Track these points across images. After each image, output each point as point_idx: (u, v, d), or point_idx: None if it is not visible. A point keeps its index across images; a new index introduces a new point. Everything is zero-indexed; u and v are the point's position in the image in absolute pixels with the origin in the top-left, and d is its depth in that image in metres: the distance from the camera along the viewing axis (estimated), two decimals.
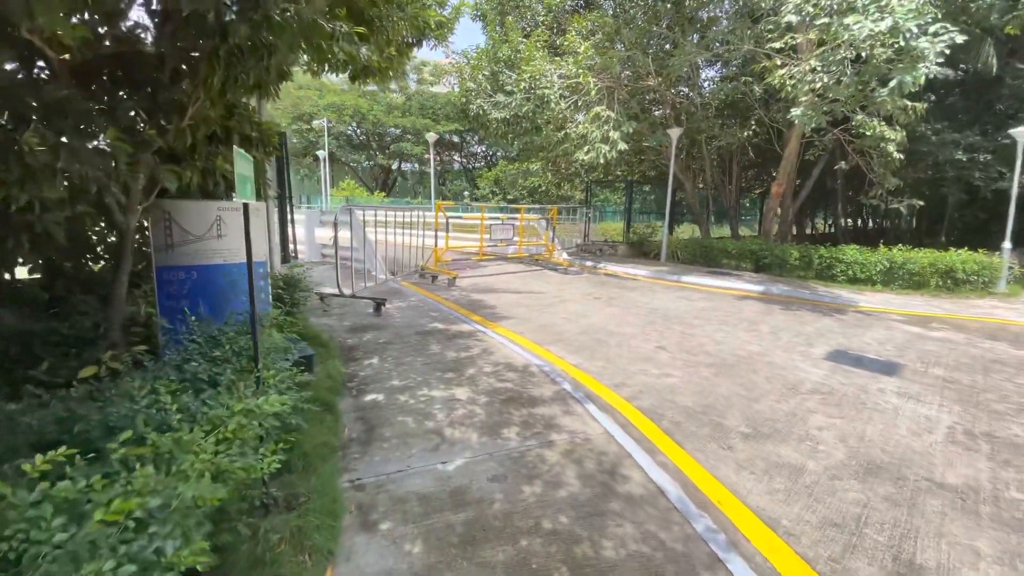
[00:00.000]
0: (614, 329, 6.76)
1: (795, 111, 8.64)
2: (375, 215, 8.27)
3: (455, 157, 49.68)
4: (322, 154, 35.68)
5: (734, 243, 13.06)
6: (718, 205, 17.74)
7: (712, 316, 7.75)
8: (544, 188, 28.30)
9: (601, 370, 5.16)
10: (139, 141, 2.73)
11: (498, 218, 11.51)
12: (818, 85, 8.24)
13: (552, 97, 11.25)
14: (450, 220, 10.23)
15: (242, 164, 2.60)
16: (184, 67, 2.89)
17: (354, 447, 3.50)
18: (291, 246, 7.93)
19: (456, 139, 46.24)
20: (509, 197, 35.59)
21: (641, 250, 14.54)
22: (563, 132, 11.98)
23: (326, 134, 37.15)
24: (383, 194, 42.22)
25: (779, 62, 9.18)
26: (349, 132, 42.13)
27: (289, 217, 7.61)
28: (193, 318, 3.55)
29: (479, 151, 49.35)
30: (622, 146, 10.93)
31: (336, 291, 6.65)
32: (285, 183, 7.28)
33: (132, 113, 2.77)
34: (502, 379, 4.77)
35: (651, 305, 8.43)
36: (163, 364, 2.78)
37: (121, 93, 2.96)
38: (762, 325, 7.33)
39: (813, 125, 8.72)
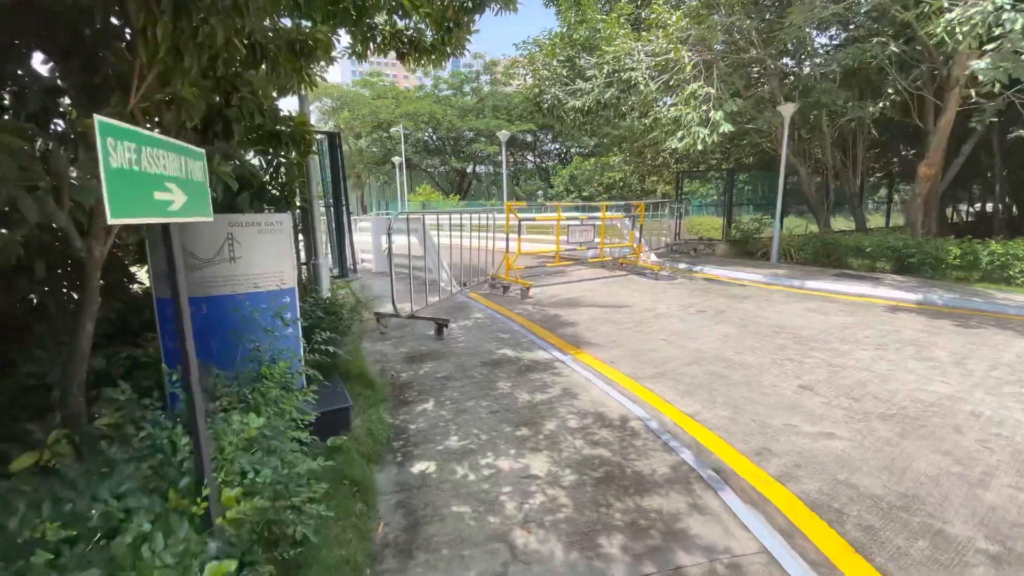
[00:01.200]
0: (733, 357, 5.24)
1: (978, 63, 6.50)
2: (437, 220, 7.32)
3: (528, 156, 48.85)
4: (398, 160, 36.32)
5: (868, 238, 10.71)
6: (836, 194, 15.08)
7: (861, 337, 5.93)
8: (623, 183, 26.44)
9: (729, 425, 3.75)
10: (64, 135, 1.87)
11: (576, 218, 10.21)
12: (1013, 28, 6.08)
13: (639, 79, 9.74)
14: (523, 222, 9.10)
15: (187, 162, 1.61)
16: (116, 20, 1.99)
17: (388, 558, 2.44)
18: (350, 258, 7.21)
19: (529, 138, 45.39)
20: (585, 194, 33.99)
21: (745, 249, 12.51)
22: (651, 118, 10.41)
23: (402, 141, 37.80)
24: (458, 197, 42.34)
25: (946, 3, 7.02)
26: (425, 138, 42.76)
27: (347, 226, 6.87)
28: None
29: (553, 149, 48.13)
30: (726, 127, 9.18)
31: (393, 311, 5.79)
32: (340, 189, 6.54)
33: (57, 92, 1.90)
34: (593, 440, 3.53)
35: (774, 321, 6.72)
36: (98, 464, 1.87)
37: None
38: (936, 350, 5.43)
39: (1004, 81, 6.52)
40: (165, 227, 1.37)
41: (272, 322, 3.38)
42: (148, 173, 1.26)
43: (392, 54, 4.73)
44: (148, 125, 2.16)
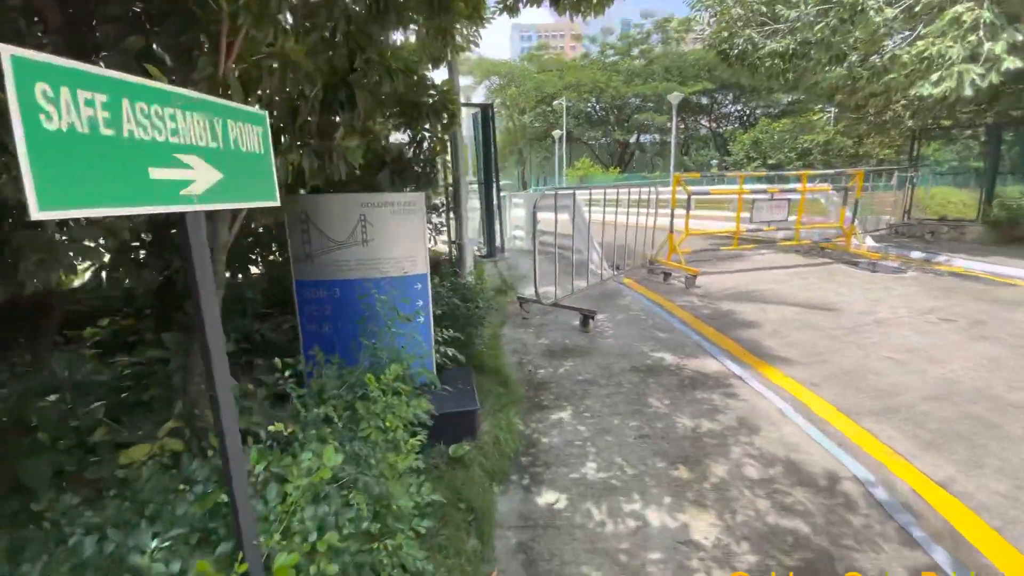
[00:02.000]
0: (1006, 395, 3.58)
1: None
2: (590, 195, 6.53)
3: (702, 122, 44.16)
4: (558, 133, 35.89)
5: None
6: None
7: None
8: (828, 147, 21.89)
9: (1008, 507, 2.43)
10: None
11: (764, 190, 8.42)
12: None
13: (868, 3, 7.42)
14: (693, 196, 7.78)
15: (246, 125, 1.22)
16: None
17: None
18: (499, 237, 6.93)
19: (704, 100, 40.85)
20: (771, 162, 29.34)
21: (1012, 234, 9.11)
22: (885, 57, 7.93)
23: (564, 114, 37.18)
24: (618, 170, 40.47)
25: None
26: (587, 109, 41.51)
27: (497, 204, 6.57)
28: (323, 356, 2.52)
29: (733, 111, 42.65)
30: (1010, 63, 6.50)
31: (536, 296, 5.28)
32: (491, 165, 6.21)
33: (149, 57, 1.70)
34: (784, 503, 2.56)
35: None
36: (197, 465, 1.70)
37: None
38: None
39: None
40: (183, 216, 0.99)
41: (403, 309, 3.11)
42: (136, 141, 0.86)
43: (546, 3, 4.08)
44: (251, 99, 1.89)
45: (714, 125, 43.92)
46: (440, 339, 3.48)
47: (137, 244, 2.94)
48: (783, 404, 3.60)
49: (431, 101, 3.51)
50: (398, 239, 3.06)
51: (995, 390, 3.74)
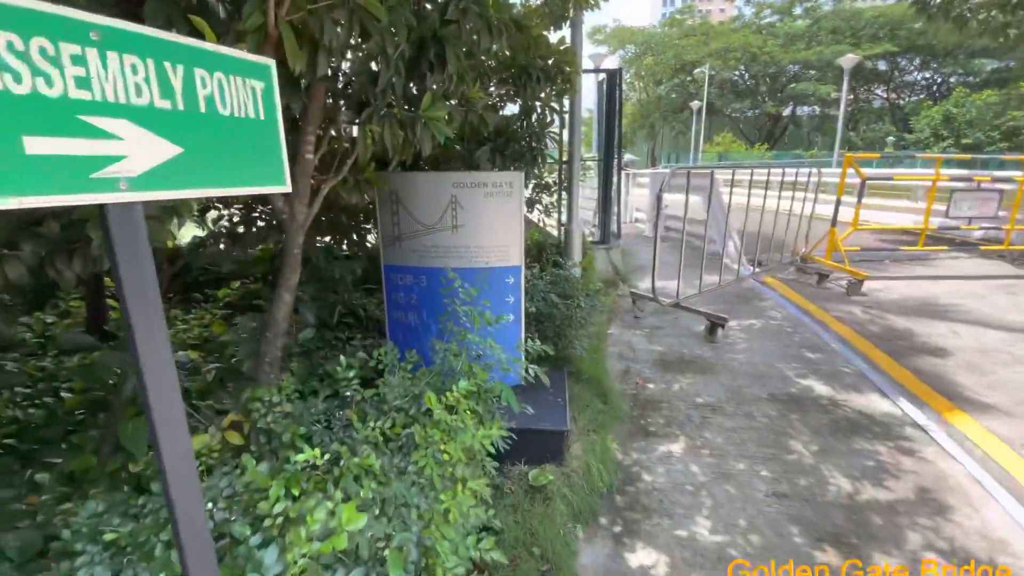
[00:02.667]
0: None
1: None
2: (733, 176, 5.46)
3: (876, 92, 37.27)
4: (697, 105, 32.81)
5: None
6: None
7: None
8: None
9: None
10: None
11: (969, 178, 6.49)
12: None
13: None
14: (868, 182, 6.27)
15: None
16: None
17: None
18: (616, 220, 6.28)
19: (882, 66, 34.27)
20: (966, 142, 23.76)
21: None
22: None
23: (706, 83, 33.81)
24: (765, 146, 36.06)
25: None
26: (734, 77, 37.31)
27: (615, 183, 5.90)
28: (396, 355, 2.29)
29: (919, 79, 35.30)
30: None
31: (652, 294, 4.55)
32: (613, 139, 5.55)
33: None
34: None
35: None
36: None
37: None
38: None
39: None
40: (103, 207, 0.67)
41: (491, 306, 2.75)
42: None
43: None
44: (314, 57, 1.59)
45: (893, 96, 36.78)
46: (531, 340, 3.08)
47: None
48: (983, 474, 2.60)
49: (543, 64, 3.02)
50: (491, 225, 2.68)
51: None
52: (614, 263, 5.96)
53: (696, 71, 35.62)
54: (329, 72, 1.92)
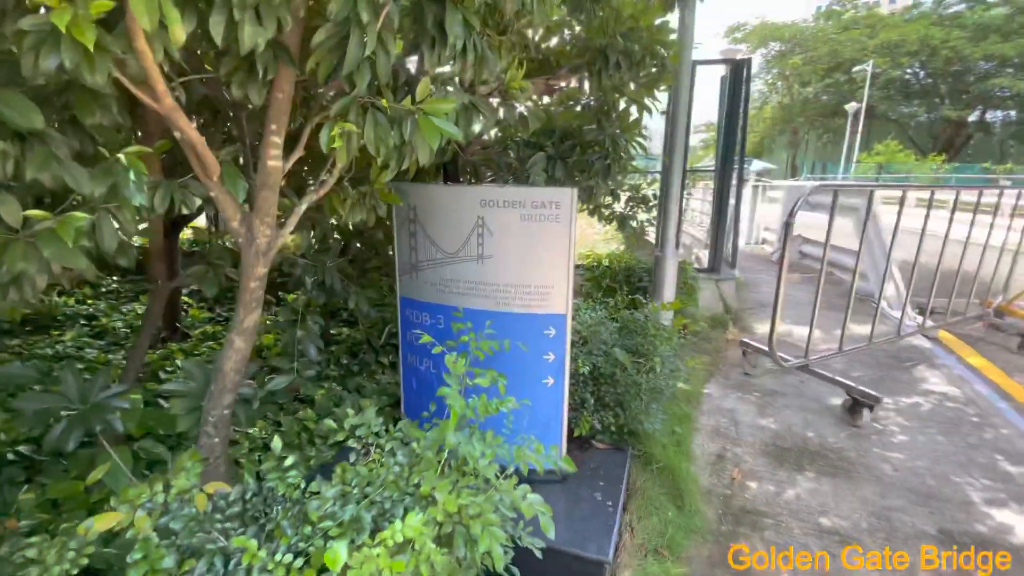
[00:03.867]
0: None
1: None
2: (903, 197, 3.96)
3: None
4: (853, 107, 28.35)
5: None
6: None
7: None
8: None
9: None
10: None
11: None
12: None
13: None
14: None
15: None
16: None
17: None
18: (731, 245, 5.16)
19: None
20: None
21: None
22: None
23: (867, 83, 29.12)
24: (942, 157, 30.08)
25: None
26: (906, 76, 31.68)
27: (734, 199, 4.81)
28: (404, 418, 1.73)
29: None
30: None
31: (771, 349, 3.37)
32: (733, 145, 4.49)
33: None
34: None
35: None
36: None
37: None
38: None
39: None
40: None
41: (524, 362, 2.09)
42: None
43: None
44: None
45: None
46: (581, 411, 2.33)
47: None
48: None
49: (625, 44, 2.25)
50: (528, 258, 1.99)
51: None
52: (725, 298, 4.84)
53: (855, 69, 30.83)
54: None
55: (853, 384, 3.15)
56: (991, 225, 4.42)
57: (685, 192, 4.83)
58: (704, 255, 5.27)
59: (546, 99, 2.88)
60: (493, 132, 2.77)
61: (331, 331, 3.46)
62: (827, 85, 34.02)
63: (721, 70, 4.75)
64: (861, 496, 2.50)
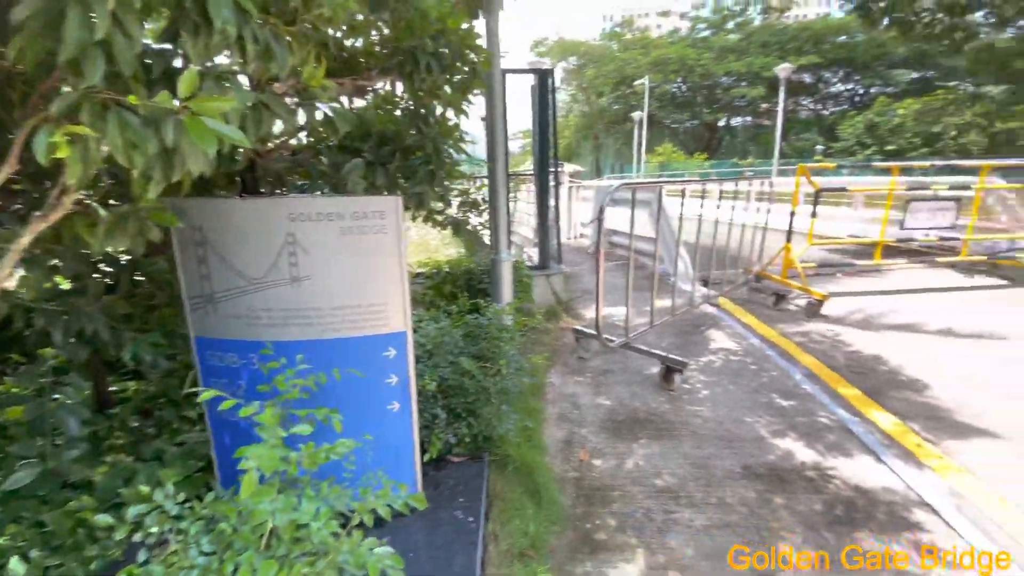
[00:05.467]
0: None
1: None
2: (685, 192, 4.83)
3: (803, 103, 39.30)
4: (637, 115, 33.33)
5: None
6: None
7: None
8: (955, 134, 18.07)
9: None
10: None
11: (925, 187, 6.28)
12: None
13: None
14: (821, 194, 5.87)
15: None
16: None
17: None
18: (556, 242, 5.54)
19: (807, 79, 36.22)
20: (889, 148, 25.14)
21: None
22: None
23: (646, 94, 34.41)
24: (704, 156, 37.06)
25: None
26: (673, 89, 38.34)
27: (553, 200, 5.17)
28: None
29: (842, 91, 37.55)
30: None
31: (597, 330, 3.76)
32: (547, 149, 4.82)
33: None
34: None
35: None
36: None
37: None
38: None
39: None
40: None
41: (362, 392, 1.89)
42: None
43: None
44: None
45: (818, 107, 38.93)
46: (433, 429, 2.23)
47: None
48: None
49: (434, 47, 2.20)
50: (354, 275, 1.81)
51: None
52: (556, 291, 5.21)
53: (636, 83, 36.27)
54: None
55: (665, 354, 3.64)
56: (744, 208, 5.54)
57: (514, 195, 5.03)
58: (535, 253, 5.59)
59: (361, 102, 2.70)
60: (303, 136, 2.50)
61: (112, 388, 2.77)
62: (617, 96, 39.33)
63: (531, 79, 5.06)
64: (683, 452, 2.88)
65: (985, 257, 6.58)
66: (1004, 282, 6.36)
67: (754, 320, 5.21)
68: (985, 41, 8.17)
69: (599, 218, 3.36)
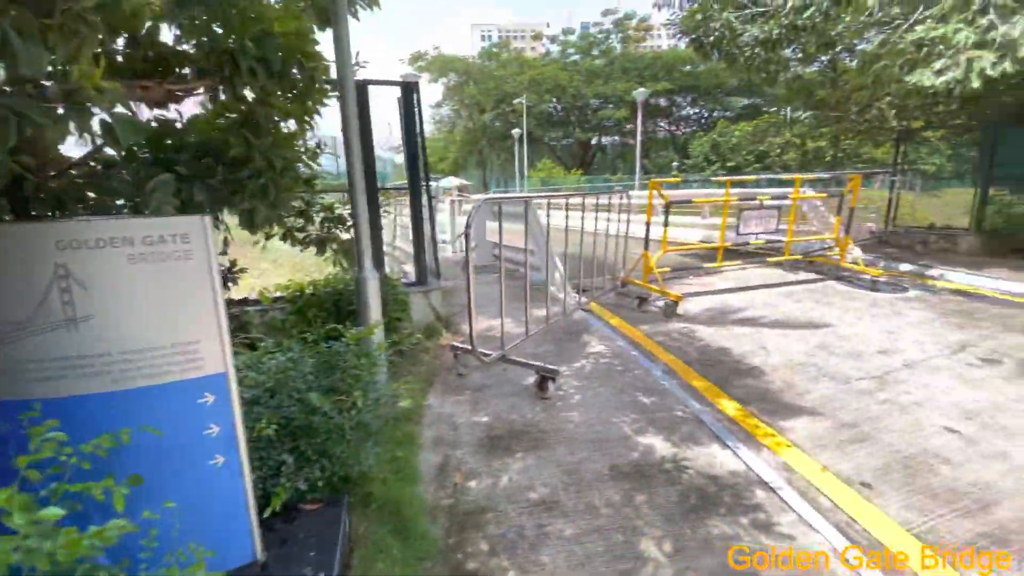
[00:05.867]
0: None
1: None
2: (549, 202, 5.05)
3: (660, 124, 44.00)
4: (516, 133, 34.67)
5: None
6: None
7: None
8: (802, 148, 21.48)
9: None
10: None
11: (753, 198, 7.30)
12: None
13: None
14: (671, 205, 6.52)
15: None
16: None
17: None
18: (433, 256, 5.43)
19: (663, 102, 40.69)
20: (730, 164, 29.06)
21: (1009, 244, 8.35)
22: (877, 45, 6.95)
23: (524, 113, 35.96)
24: (580, 171, 39.64)
25: None
26: (549, 109, 40.51)
27: (428, 214, 5.06)
28: None
29: (691, 114, 42.69)
30: None
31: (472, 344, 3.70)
32: (417, 163, 4.71)
33: None
34: None
35: None
36: None
37: None
38: None
39: None
40: None
41: (175, 448, 1.60)
42: None
43: None
44: None
45: (673, 128, 43.80)
46: (276, 471, 1.97)
47: None
48: (842, 542, 2.27)
49: (257, 51, 1.99)
50: (152, 310, 1.52)
51: None
52: (435, 307, 5.08)
53: (515, 101, 37.74)
54: None
55: (538, 363, 3.70)
56: (609, 220, 5.92)
57: (385, 209, 4.83)
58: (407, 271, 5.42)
59: (180, 109, 2.36)
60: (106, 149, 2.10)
61: None
62: (498, 114, 40.55)
63: (397, 92, 4.92)
64: (557, 459, 2.91)
65: (802, 256, 7.81)
66: (818, 276, 7.58)
67: (621, 322, 5.57)
68: (795, 73, 9.80)
69: (466, 232, 3.32)
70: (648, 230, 6.23)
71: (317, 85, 2.32)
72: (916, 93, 6.93)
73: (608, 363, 4.38)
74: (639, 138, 23.23)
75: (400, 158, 18.53)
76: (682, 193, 9.86)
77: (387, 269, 5.16)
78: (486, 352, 3.67)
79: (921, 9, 6.60)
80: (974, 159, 9.22)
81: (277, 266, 4.83)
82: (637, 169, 23.05)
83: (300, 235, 4.38)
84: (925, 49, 6.43)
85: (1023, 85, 8.93)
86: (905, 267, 7.93)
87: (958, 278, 7.18)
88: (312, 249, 4.39)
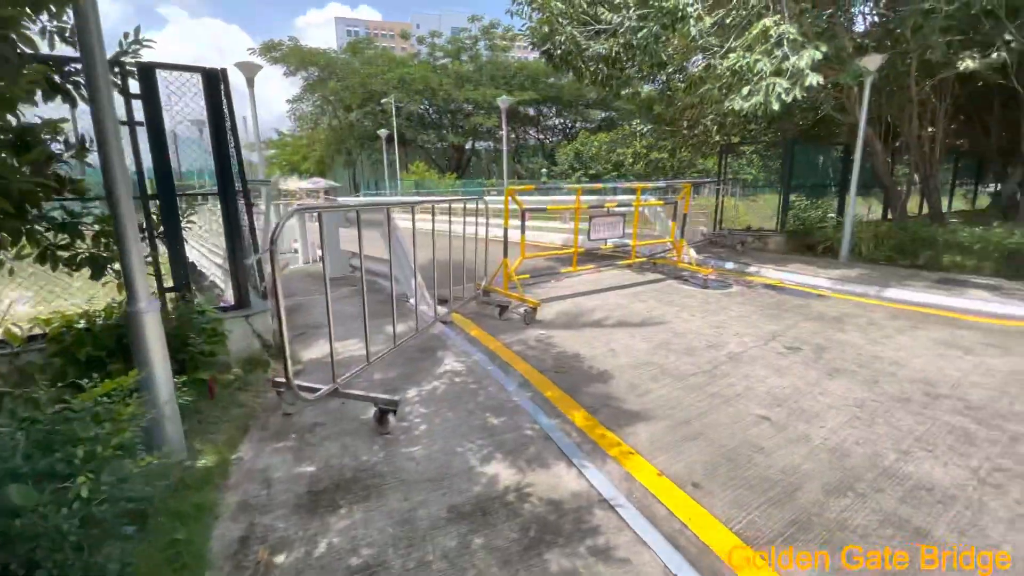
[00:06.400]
0: (907, 469, 2.81)
1: None
2: (413, 212, 4.67)
3: (530, 132, 45.81)
4: (384, 133, 33.41)
5: (973, 232, 8.22)
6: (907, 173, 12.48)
7: None
8: (645, 158, 23.61)
9: None
10: None
11: (602, 205, 7.66)
12: None
13: (686, 9, 7.04)
14: (527, 211, 6.54)
15: None
16: None
17: None
18: (257, 274, 4.70)
19: (531, 111, 42.40)
20: (591, 172, 31.19)
21: (804, 242, 9.96)
22: (701, 68, 7.76)
23: (394, 114, 34.77)
24: (455, 175, 39.50)
25: None
26: (420, 110, 39.69)
27: (248, 223, 4.35)
28: None
29: (557, 123, 45.10)
30: (813, 79, 6.54)
31: (304, 380, 3.16)
32: (227, 164, 4.00)
33: None
34: None
35: (911, 370, 4.30)
36: None
37: None
38: None
39: None
40: None
41: None
42: None
43: None
44: None
45: (541, 136, 45.86)
46: None
47: None
48: (677, 559, 2.26)
49: None
50: None
51: (888, 459, 2.99)
52: (260, 333, 4.38)
53: (384, 100, 36.32)
54: None
55: (375, 395, 3.31)
56: (474, 226, 5.72)
57: (186, 219, 4.03)
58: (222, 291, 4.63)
59: None
60: None
61: None
62: (365, 113, 38.70)
63: (200, 80, 4.14)
64: (388, 510, 2.56)
65: (647, 258, 8.44)
66: (662, 276, 8.23)
67: (481, 332, 5.39)
68: (634, 89, 10.59)
69: (271, 248, 2.77)
70: (506, 238, 6.16)
71: (25, 72, 1.68)
72: (733, 112, 7.86)
73: (462, 382, 4.13)
74: (505, 145, 23.78)
75: (255, 156, 16.52)
76: (537, 200, 10.13)
77: (211, 291, 4.34)
78: (312, 387, 3.16)
79: (732, 40, 7.48)
80: (780, 170, 10.83)
81: (47, 293, 3.77)
82: (505, 174, 23.54)
83: (64, 254, 3.45)
84: (737, 76, 7.30)
85: (811, 108, 10.75)
86: (729, 265, 8.98)
87: (769, 273, 8.30)
88: (86, 271, 3.49)
